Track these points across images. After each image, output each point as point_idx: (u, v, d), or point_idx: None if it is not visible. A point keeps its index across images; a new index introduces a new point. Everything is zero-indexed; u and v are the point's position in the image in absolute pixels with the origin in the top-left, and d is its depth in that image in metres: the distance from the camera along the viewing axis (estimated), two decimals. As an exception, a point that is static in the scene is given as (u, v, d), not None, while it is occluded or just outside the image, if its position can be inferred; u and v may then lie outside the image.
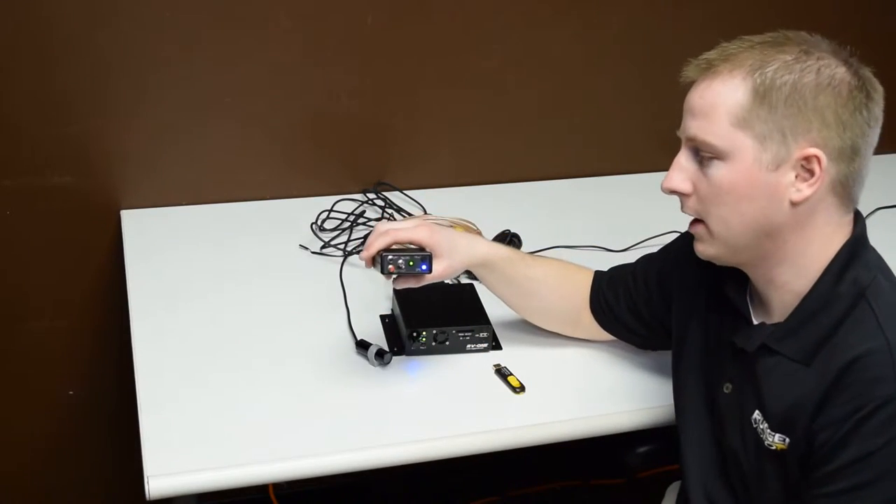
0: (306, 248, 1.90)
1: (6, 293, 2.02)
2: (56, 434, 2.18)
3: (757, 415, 1.27)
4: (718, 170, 1.22)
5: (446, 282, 1.69)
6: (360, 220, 2.00)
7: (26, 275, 2.01)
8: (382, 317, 1.68)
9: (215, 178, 2.05)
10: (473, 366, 1.58)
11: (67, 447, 2.20)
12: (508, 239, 1.90)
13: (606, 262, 1.62)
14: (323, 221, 1.98)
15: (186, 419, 1.42)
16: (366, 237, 1.48)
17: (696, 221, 1.28)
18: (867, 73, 1.22)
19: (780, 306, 1.27)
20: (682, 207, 1.28)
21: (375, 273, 1.45)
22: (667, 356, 1.47)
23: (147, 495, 1.30)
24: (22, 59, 1.85)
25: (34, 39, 1.84)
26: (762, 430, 1.27)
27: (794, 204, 1.20)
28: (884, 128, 1.25)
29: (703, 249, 1.29)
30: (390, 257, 1.40)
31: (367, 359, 1.56)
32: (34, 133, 1.91)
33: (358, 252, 1.83)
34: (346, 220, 2.00)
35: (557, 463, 2.25)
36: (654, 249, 1.57)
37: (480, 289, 1.66)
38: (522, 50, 2.15)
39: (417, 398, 1.52)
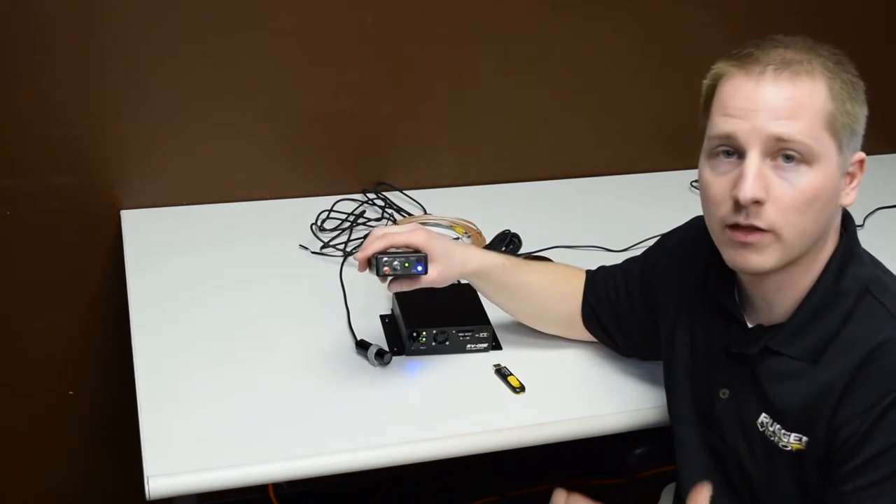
0: (306, 248, 1.90)
1: (6, 293, 2.02)
2: (56, 434, 2.18)
3: (764, 418, 1.26)
4: (804, 175, 1.16)
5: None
6: (360, 221, 2.00)
7: (26, 275, 2.01)
8: (382, 317, 1.68)
9: (215, 178, 2.05)
10: (473, 366, 1.58)
11: (67, 447, 2.20)
12: (508, 239, 1.90)
13: (606, 263, 1.61)
14: (323, 221, 1.98)
15: (186, 419, 1.42)
16: (366, 237, 1.48)
17: (756, 230, 1.17)
18: None
19: (782, 306, 1.26)
20: (745, 217, 1.17)
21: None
22: (667, 356, 1.47)
23: (147, 495, 1.30)
24: (22, 59, 1.85)
25: (34, 39, 1.84)
26: (773, 432, 1.25)
27: (839, 207, 1.22)
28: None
29: (763, 261, 1.18)
30: (385, 259, 1.41)
31: (367, 359, 1.56)
32: (34, 133, 1.91)
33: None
34: (346, 220, 1.99)
35: (557, 463, 2.24)
36: (654, 249, 1.57)
37: (480, 289, 1.66)
38: (522, 50, 2.15)
39: (417, 398, 1.52)
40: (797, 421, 1.23)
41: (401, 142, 2.15)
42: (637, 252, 1.59)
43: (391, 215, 2.04)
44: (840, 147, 1.18)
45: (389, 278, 1.43)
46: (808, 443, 1.22)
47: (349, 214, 2.01)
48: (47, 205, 1.96)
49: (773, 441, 1.26)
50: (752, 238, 1.18)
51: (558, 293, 1.58)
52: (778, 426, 1.25)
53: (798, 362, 1.23)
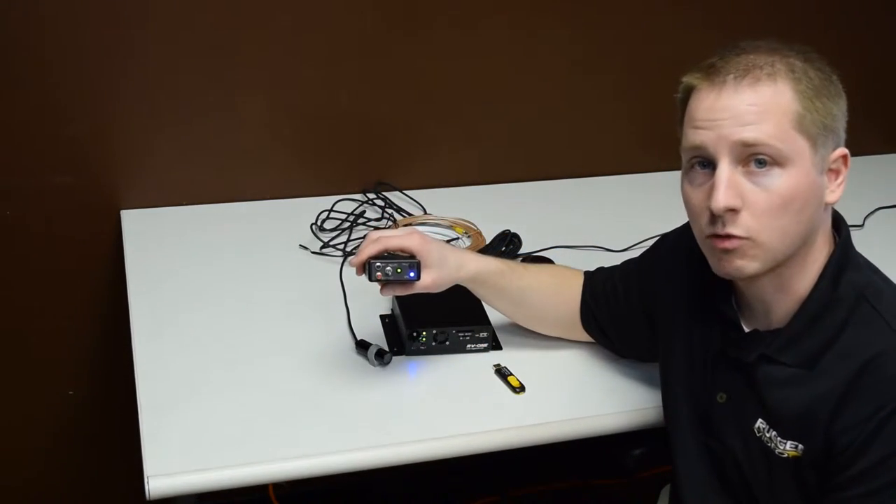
0: (306, 248, 1.90)
1: (6, 293, 2.02)
2: (56, 434, 2.18)
3: (761, 423, 1.26)
4: (778, 178, 1.16)
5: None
6: (360, 221, 2.00)
7: (26, 275, 2.01)
8: (382, 317, 1.68)
9: (215, 178, 2.05)
10: (473, 366, 1.58)
11: (67, 447, 2.20)
12: (508, 239, 1.90)
13: (606, 263, 1.61)
14: (323, 221, 1.98)
15: (186, 419, 1.42)
16: (365, 238, 1.48)
17: (733, 237, 1.18)
18: None
19: (780, 312, 1.25)
20: (721, 227, 1.18)
21: (374, 274, 1.45)
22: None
23: (147, 495, 1.30)
24: (22, 59, 1.85)
25: (34, 39, 1.84)
26: (770, 438, 1.25)
27: (826, 206, 1.21)
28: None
29: (745, 265, 1.19)
30: (378, 264, 1.41)
31: (367, 359, 1.56)
32: (34, 133, 1.91)
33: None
34: (346, 220, 1.99)
35: (557, 463, 2.25)
36: (654, 249, 1.57)
37: (480, 289, 1.66)
38: (522, 50, 2.15)
39: (417, 398, 1.52)
40: (793, 428, 1.23)
41: (401, 142, 2.15)
42: (637, 252, 1.59)
43: (391, 215, 2.04)
44: (814, 145, 1.17)
45: (382, 283, 1.43)
46: (804, 450, 1.22)
47: (349, 214, 2.01)
48: (47, 205, 1.96)
49: (769, 447, 1.25)
50: (731, 244, 1.18)
51: (556, 296, 1.58)
52: (774, 433, 1.25)
53: (794, 369, 1.23)
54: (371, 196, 2.10)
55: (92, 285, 2.04)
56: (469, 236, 1.95)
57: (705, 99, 1.19)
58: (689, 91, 1.22)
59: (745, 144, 1.16)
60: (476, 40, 2.11)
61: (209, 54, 1.95)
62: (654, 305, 1.46)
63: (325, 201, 2.04)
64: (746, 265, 1.19)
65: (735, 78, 1.17)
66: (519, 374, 1.55)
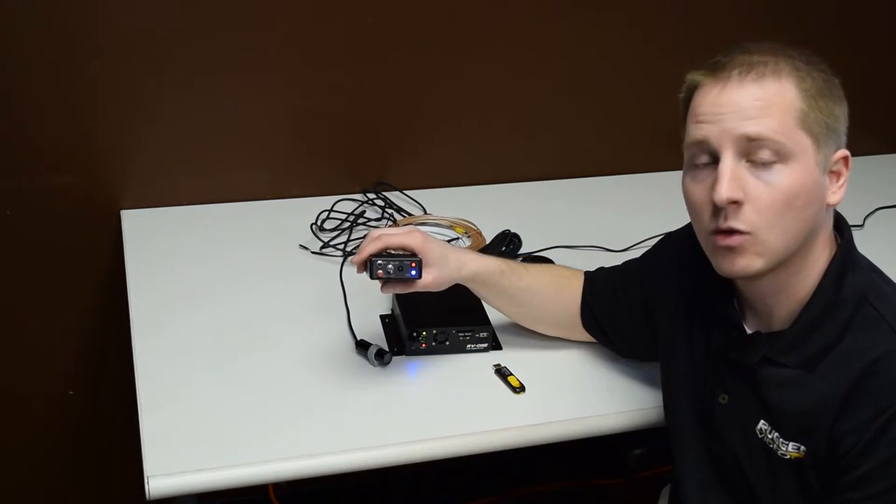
0: (306, 249, 1.90)
1: (6, 293, 2.02)
2: (56, 434, 2.18)
3: (763, 425, 1.26)
4: (781, 174, 1.16)
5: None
6: (360, 221, 2.00)
7: (26, 275, 2.01)
8: (382, 317, 1.68)
9: (215, 178, 2.05)
10: (473, 366, 1.58)
11: (67, 447, 2.20)
12: (508, 239, 1.90)
13: (606, 263, 1.61)
14: (323, 222, 1.98)
15: (186, 419, 1.42)
16: (365, 237, 1.48)
17: (735, 233, 1.18)
18: None
19: (782, 313, 1.25)
20: (724, 221, 1.17)
21: (375, 274, 1.45)
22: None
23: (147, 495, 1.30)
24: (22, 60, 1.85)
25: (34, 40, 1.84)
26: (772, 439, 1.25)
27: (828, 207, 1.21)
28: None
29: (748, 264, 1.18)
30: (379, 262, 1.41)
31: (367, 359, 1.56)
32: (34, 133, 1.91)
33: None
34: (346, 220, 1.99)
35: (557, 463, 2.25)
36: (654, 249, 1.57)
37: (480, 289, 1.66)
38: (522, 50, 2.15)
39: (417, 398, 1.52)
40: (795, 430, 1.23)
41: (401, 142, 2.15)
42: (637, 252, 1.59)
43: (391, 215, 2.04)
44: (817, 144, 1.18)
45: (383, 281, 1.43)
46: (806, 452, 1.22)
47: (349, 214, 2.01)
48: (47, 205, 1.96)
49: (772, 448, 1.25)
50: (734, 241, 1.18)
51: (557, 296, 1.58)
52: (776, 434, 1.25)
53: (796, 370, 1.23)
54: (371, 196, 2.10)
55: (92, 285, 2.05)
56: (469, 236, 1.95)
57: (709, 94, 1.19)
58: (692, 88, 1.22)
59: (749, 139, 1.16)
60: (476, 40, 2.11)
61: (210, 54, 1.94)
62: (655, 306, 1.46)
63: (325, 201, 2.04)
64: (749, 264, 1.18)
65: (740, 73, 1.17)
66: (519, 374, 1.55)
